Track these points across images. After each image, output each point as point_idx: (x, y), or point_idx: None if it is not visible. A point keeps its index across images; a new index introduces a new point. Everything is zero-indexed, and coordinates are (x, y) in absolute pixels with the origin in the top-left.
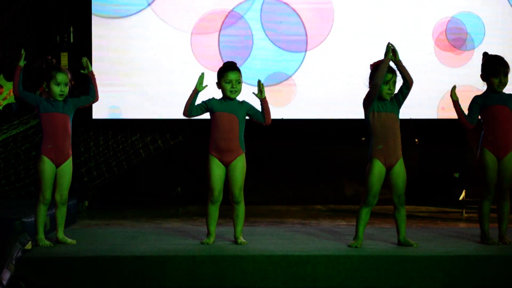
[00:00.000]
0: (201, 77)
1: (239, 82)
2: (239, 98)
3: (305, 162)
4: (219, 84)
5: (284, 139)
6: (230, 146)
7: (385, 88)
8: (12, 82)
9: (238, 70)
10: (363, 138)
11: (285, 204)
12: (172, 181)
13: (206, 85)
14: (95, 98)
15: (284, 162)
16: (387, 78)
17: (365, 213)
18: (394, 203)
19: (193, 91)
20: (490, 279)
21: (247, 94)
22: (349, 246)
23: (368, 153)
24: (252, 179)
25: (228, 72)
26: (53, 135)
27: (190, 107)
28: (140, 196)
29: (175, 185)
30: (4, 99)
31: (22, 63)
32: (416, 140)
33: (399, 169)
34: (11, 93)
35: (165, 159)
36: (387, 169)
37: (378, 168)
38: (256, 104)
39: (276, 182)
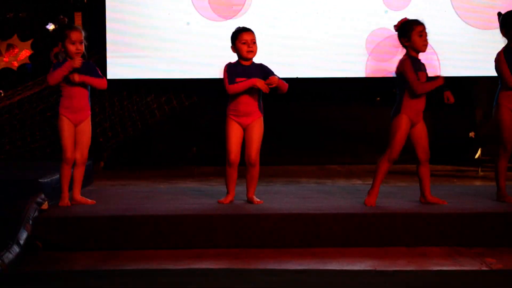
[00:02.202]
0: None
1: (254, 42)
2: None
3: (319, 122)
4: (234, 47)
5: (299, 99)
6: (248, 110)
7: (420, 40)
8: (26, 42)
9: (252, 31)
10: (378, 98)
11: (301, 164)
12: (187, 141)
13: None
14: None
15: (298, 123)
16: (419, 30)
17: (386, 168)
18: (420, 159)
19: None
20: (508, 236)
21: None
22: (364, 203)
23: (393, 109)
24: (267, 140)
25: (243, 33)
26: (70, 96)
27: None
28: (155, 156)
29: (190, 146)
30: (18, 59)
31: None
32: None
33: (423, 125)
34: (26, 54)
35: (179, 120)
36: (411, 127)
37: (406, 124)
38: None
39: (291, 142)
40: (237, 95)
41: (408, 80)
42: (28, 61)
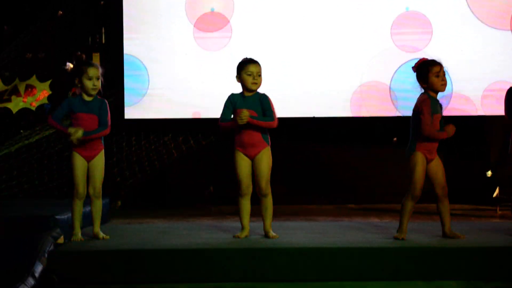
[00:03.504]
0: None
1: (260, 75)
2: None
3: (336, 162)
4: (239, 77)
5: (315, 138)
6: (252, 141)
7: (439, 81)
8: (44, 83)
9: (259, 64)
10: (395, 139)
11: (318, 203)
12: (204, 180)
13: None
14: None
15: (315, 162)
16: (436, 71)
17: (410, 206)
18: (437, 195)
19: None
20: None
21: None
22: (394, 238)
23: (407, 148)
24: (284, 179)
25: (249, 65)
26: None
27: (223, 118)
28: (172, 196)
29: (207, 185)
30: (37, 100)
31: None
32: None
33: (438, 161)
34: (44, 94)
35: (197, 159)
36: (427, 164)
37: (422, 161)
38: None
39: (308, 182)
40: (240, 127)
41: (422, 119)
42: (46, 101)
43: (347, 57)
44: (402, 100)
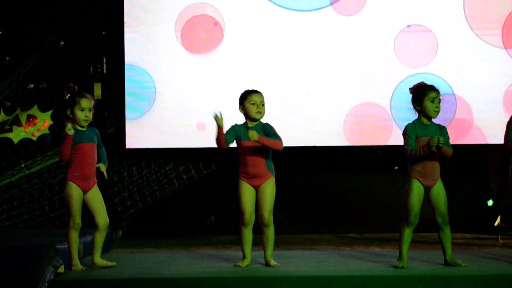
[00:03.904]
0: (216, 115)
1: (263, 104)
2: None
3: (338, 191)
4: (243, 107)
5: (316, 167)
6: (257, 171)
7: (432, 106)
8: (46, 113)
9: (261, 94)
10: (396, 168)
11: (319, 233)
12: (205, 210)
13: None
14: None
15: (316, 191)
16: (432, 96)
17: (407, 233)
18: (438, 223)
19: (219, 129)
20: None
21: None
22: (394, 267)
23: (406, 176)
24: (285, 208)
25: (253, 94)
26: (80, 163)
27: (226, 140)
28: (173, 225)
29: (208, 214)
30: (38, 130)
31: (71, 132)
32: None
33: (439, 188)
34: (45, 124)
35: (198, 188)
36: (426, 190)
37: (417, 187)
38: (277, 126)
39: (309, 211)
40: (245, 157)
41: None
42: (48, 131)
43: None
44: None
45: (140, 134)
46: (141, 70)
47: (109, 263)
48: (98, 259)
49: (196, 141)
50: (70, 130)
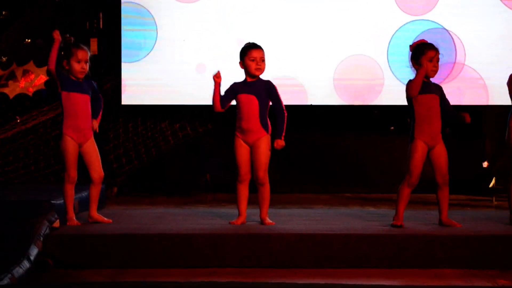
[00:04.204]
0: (217, 72)
1: (263, 60)
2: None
3: (333, 151)
4: (242, 63)
5: (312, 127)
6: (250, 127)
7: (430, 65)
8: (41, 68)
9: (262, 48)
10: (392, 128)
11: (314, 192)
12: (200, 168)
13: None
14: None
15: (311, 151)
16: (430, 55)
17: (407, 193)
18: (438, 183)
19: (215, 85)
20: None
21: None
22: (391, 225)
23: (409, 135)
24: (280, 168)
25: (252, 50)
26: (74, 115)
27: (221, 101)
28: (168, 183)
29: (203, 173)
30: (34, 85)
31: (58, 36)
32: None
33: (441, 148)
34: (41, 79)
35: (194, 146)
36: (429, 150)
37: (421, 148)
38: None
39: (304, 171)
40: (241, 111)
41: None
42: (43, 86)
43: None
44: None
45: (135, 90)
46: (141, 9)
47: (105, 219)
48: (95, 213)
49: (192, 99)
50: (57, 35)
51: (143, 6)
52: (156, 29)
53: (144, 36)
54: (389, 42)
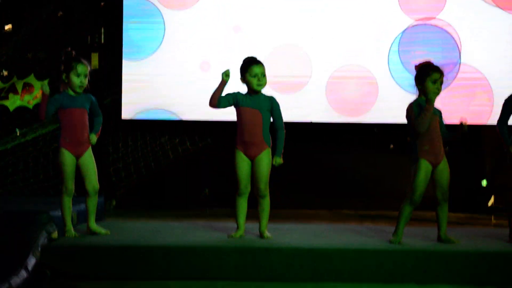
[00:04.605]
0: (227, 70)
1: (264, 75)
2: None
3: (333, 168)
4: (244, 79)
5: (312, 144)
6: (254, 141)
7: (433, 88)
8: (43, 81)
9: (262, 64)
10: (392, 146)
11: (313, 208)
12: (199, 183)
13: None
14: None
15: (311, 168)
16: (435, 77)
17: (408, 211)
18: (437, 199)
19: (221, 82)
20: None
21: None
22: (390, 242)
23: (412, 155)
24: (279, 183)
25: (253, 66)
26: (71, 129)
27: (219, 98)
28: (167, 197)
29: (202, 187)
30: (34, 98)
31: (46, 90)
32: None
33: (444, 166)
34: (41, 92)
35: (193, 161)
36: (433, 169)
37: (425, 167)
38: (282, 103)
39: (304, 187)
40: (243, 124)
41: (412, 123)
42: None
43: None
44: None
45: (135, 105)
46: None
47: (103, 230)
48: (93, 224)
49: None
50: (46, 89)
51: (145, 23)
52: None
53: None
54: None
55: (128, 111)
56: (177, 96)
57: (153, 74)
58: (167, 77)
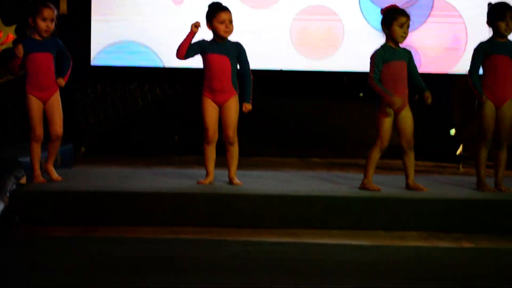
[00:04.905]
0: (197, 22)
1: (231, 21)
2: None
3: (301, 116)
4: (210, 25)
5: (282, 92)
6: (222, 87)
7: (400, 31)
8: (10, 27)
9: (229, 10)
10: (361, 94)
11: (282, 156)
12: (169, 130)
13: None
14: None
15: (280, 116)
16: (401, 21)
17: (377, 156)
18: (403, 147)
19: (190, 33)
20: (487, 223)
21: None
22: (359, 188)
23: (375, 102)
24: (248, 131)
25: (221, 12)
26: (36, 73)
27: (188, 49)
28: (136, 144)
29: (172, 135)
30: (2, 43)
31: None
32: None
33: (407, 113)
34: (9, 38)
35: (162, 108)
36: (395, 115)
37: (389, 114)
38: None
39: (273, 135)
40: (211, 71)
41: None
42: (12, 45)
43: None
44: None
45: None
46: None
47: (54, 176)
48: (50, 166)
49: (161, 61)
50: (20, 52)
51: None
52: None
53: None
54: None
55: (98, 43)
56: (148, 40)
57: (122, 19)
58: (138, 20)
